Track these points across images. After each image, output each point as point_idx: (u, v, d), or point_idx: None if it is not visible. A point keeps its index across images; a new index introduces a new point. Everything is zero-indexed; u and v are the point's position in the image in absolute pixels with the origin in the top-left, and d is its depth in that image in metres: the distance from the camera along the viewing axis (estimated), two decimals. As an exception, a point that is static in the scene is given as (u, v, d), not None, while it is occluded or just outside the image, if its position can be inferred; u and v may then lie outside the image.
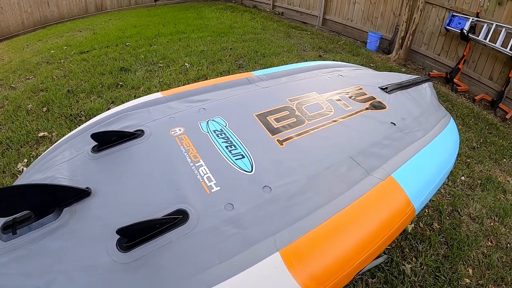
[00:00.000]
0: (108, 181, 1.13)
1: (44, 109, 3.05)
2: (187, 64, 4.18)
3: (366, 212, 1.12)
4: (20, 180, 1.21)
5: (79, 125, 1.77)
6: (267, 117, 1.52)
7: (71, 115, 2.94)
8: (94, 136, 1.25)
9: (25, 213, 0.98)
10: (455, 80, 4.39)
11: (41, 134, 2.69)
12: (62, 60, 4.27)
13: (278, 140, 1.38)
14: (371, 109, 1.72)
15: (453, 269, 1.85)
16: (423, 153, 1.46)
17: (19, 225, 0.95)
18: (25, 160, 2.38)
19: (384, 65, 4.91)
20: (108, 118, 1.48)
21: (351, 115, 1.64)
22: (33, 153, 2.46)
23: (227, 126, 1.43)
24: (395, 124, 1.61)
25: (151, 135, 1.34)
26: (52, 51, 4.65)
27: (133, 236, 0.91)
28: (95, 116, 1.65)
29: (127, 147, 1.28)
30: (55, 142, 1.68)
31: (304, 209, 1.08)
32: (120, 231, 0.87)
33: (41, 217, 0.97)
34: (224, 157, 1.24)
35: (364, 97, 1.84)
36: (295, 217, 1.05)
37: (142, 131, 1.37)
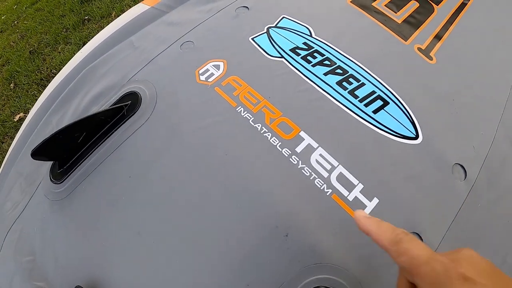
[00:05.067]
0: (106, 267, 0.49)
1: (12, 85, 2.34)
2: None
3: None
4: None
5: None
6: (374, 4, 0.72)
7: (41, 79, 2.21)
8: (39, 155, 0.52)
9: None
10: None
11: (17, 117, 2.04)
12: (15, 22, 3.37)
13: (419, 49, 0.64)
14: None
15: None
16: None
17: None
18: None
19: None
20: (63, 87, 0.74)
21: None
22: (15, 143, 1.85)
23: (313, 35, 0.63)
24: None
25: (156, 101, 0.57)
26: (2, 17, 3.73)
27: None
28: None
29: (114, 149, 0.54)
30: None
31: None
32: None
33: None
34: (346, 108, 0.53)
35: None
36: None
37: (135, 94, 0.59)
